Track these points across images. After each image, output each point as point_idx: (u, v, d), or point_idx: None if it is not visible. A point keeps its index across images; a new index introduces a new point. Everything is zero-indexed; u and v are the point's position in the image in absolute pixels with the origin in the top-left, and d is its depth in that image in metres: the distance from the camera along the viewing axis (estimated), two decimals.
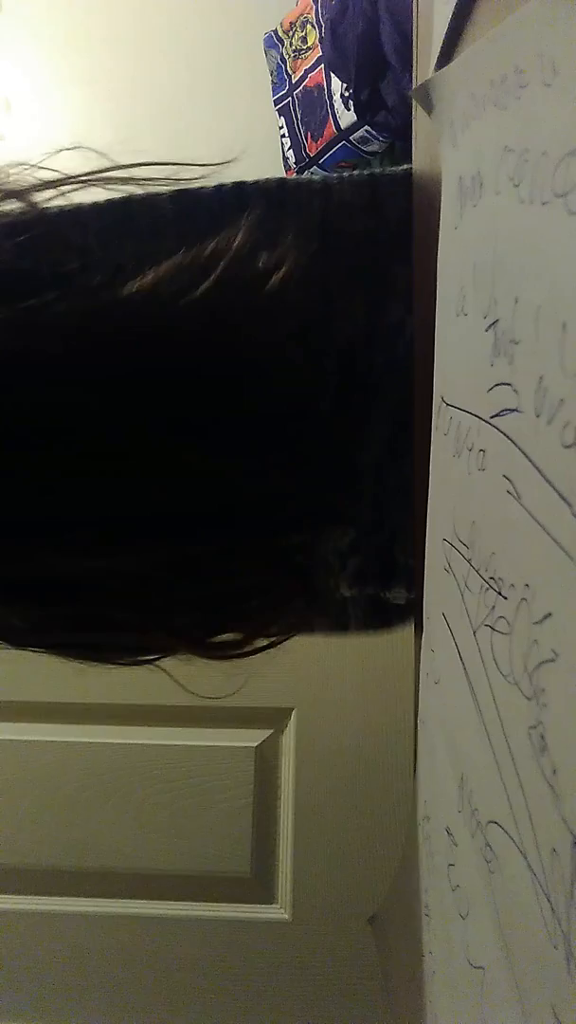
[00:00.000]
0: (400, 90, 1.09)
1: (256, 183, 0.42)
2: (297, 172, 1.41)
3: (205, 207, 0.41)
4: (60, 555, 0.40)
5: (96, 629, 0.44)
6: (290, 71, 1.41)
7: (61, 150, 0.42)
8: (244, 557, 0.43)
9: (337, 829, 1.10)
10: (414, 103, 0.40)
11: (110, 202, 0.41)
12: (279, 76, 1.43)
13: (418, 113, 0.41)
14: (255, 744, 1.14)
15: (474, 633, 0.27)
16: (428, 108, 0.34)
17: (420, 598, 0.38)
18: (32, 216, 0.40)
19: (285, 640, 0.46)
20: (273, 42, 1.43)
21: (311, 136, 1.36)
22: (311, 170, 1.39)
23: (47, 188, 0.40)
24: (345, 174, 0.43)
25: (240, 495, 0.42)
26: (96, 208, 0.40)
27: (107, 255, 0.39)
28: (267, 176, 0.42)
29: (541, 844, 0.20)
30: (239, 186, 0.41)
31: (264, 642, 0.45)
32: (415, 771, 0.41)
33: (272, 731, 1.14)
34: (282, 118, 1.43)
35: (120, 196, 0.41)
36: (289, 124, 1.41)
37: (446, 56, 0.34)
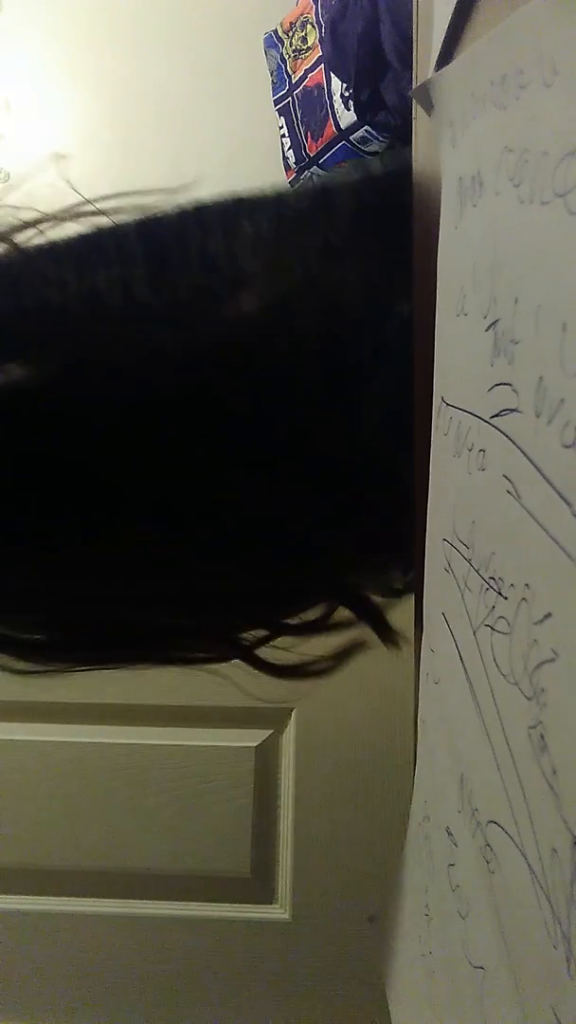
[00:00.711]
0: (400, 90, 1.09)
1: (213, 204, 0.43)
2: (297, 172, 1.41)
3: (167, 233, 0.42)
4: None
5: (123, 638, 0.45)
6: (290, 71, 1.41)
7: (33, 186, 0.44)
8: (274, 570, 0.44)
9: (337, 829, 1.10)
10: (414, 103, 0.40)
11: (81, 235, 0.42)
12: (279, 76, 1.43)
13: (418, 113, 0.41)
14: (255, 744, 1.14)
15: (474, 633, 0.27)
16: (428, 108, 0.34)
17: (420, 598, 0.38)
18: (14, 256, 0.41)
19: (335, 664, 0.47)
20: (273, 42, 1.43)
21: (311, 136, 1.36)
22: (310, 170, 1.39)
23: (28, 228, 0.42)
24: (297, 185, 0.44)
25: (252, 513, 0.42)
26: (68, 242, 0.42)
27: (81, 286, 0.40)
28: (253, 185, 0.43)
29: (541, 844, 0.20)
30: (198, 209, 0.43)
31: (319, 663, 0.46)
32: (415, 771, 0.41)
33: (272, 731, 1.14)
34: (282, 118, 1.43)
35: (89, 229, 0.42)
36: (289, 124, 1.41)
37: (446, 56, 0.34)
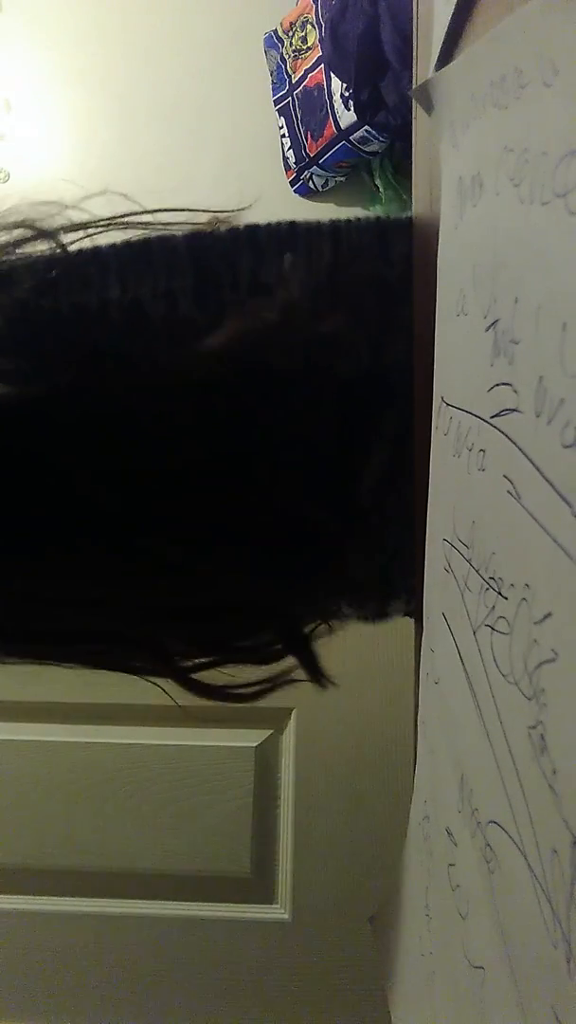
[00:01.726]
0: (400, 90, 1.09)
1: (268, 226, 0.43)
2: (297, 172, 1.41)
3: (218, 251, 0.42)
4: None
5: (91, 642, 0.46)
6: (290, 71, 1.41)
7: (91, 196, 0.43)
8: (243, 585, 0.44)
9: (337, 829, 1.10)
10: (414, 103, 0.40)
11: (128, 243, 0.42)
12: (279, 76, 1.43)
13: (418, 113, 0.41)
14: (255, 744, 1.14)
15: (474, 633, 0.27)
16: (428, 108, 0.34)
17: (420, 598, 0.38)
18: (57, 256, 0.41)
19: (271, 688, 0.47)
20: (273, 42, 1.43)
21: (311, 136, 1.36)
22: (309, 170, 1.39)
23: (76, 230, 0.42)
24: (352, 219, 0.44)
25: (239, 523, 0.42)
26: (115, 249, 0.42)
27: (125, 293, 0.40)
28: (278, 218, 0.44)
29: (541, 844, 0.20)
30: (251, 229, 0.43)
31: (252, 688, 0.46)
32: (415, 771, 0.41)
33: (272, 731, 1.14)
34: (282, 118, 1.43)
35: (138, 238, 0.42)
36: (289, 124, 1.41)
37: (446, 56, 0.34)
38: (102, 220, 0.42)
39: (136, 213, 0.43)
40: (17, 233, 0.41)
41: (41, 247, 0.41)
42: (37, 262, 0.41)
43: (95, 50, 1.58)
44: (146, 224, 0.43)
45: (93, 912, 1.12)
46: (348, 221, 0.44)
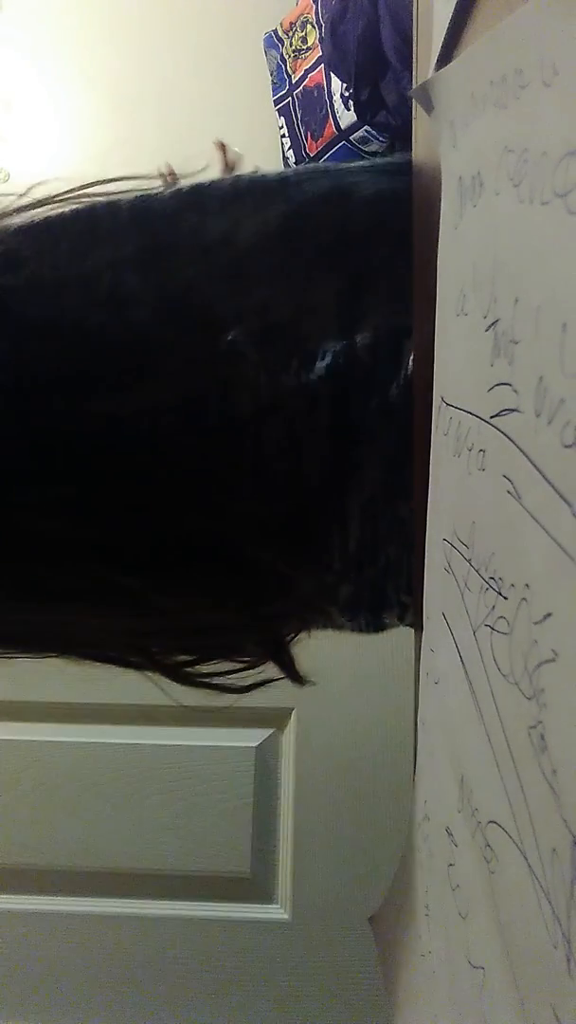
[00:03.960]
0: (400, 90, 1.09)
1: (211, 184, 0.43)
2: None
3: (160, 210, 0.42)
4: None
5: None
6: (290, 71, 1.41)
7: (33, 186, 0.43)
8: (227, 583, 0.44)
9: (337, 829, 1.10)
10: (414, 103, 0.40)
11: (75, 211, 0.42)
12: (279, 76, 1.43)
13: (418, 113, 0.41)
14: (255, 744, 1.14)
15: (474, 633, 0.27)
16: (428, 108, 0.34)
17: (420, 598, 0.38)
18: (7, 236, 0.41)
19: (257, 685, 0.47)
20: (273, 42, 1.43)
21: (311, 136, 1.36)
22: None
23: (23, 212, 0.42)
24: (301, 168, 0.44)
25: (226, 524, 0.42)
26: (62, 217, 0.42)
27: (74, 259, 0.41)
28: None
29: (541, 844, 0.20)
30: (195, 188, 0.43)
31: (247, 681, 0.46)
32: (415, 771, 0.41)
33: (272, 731, 1.14)
34: (282, 118, 1.43)
35: (84, 205, 0.42)
36: (289, 124, 1.41)
37: (446, 56, 0.34)
38: (48, 199, 0.42)
39: (79, 188, 0.43)
40: None
41: None
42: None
43: (95, 50, 1.58)
44: (93, 197, 0.43)
45: (93, 912, 1.12)
46: (296, 171, 0.44)
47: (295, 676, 0.47)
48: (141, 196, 0.42)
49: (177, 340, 0.40)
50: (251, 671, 0.46)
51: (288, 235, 0.42)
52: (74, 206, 0.42)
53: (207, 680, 0.46)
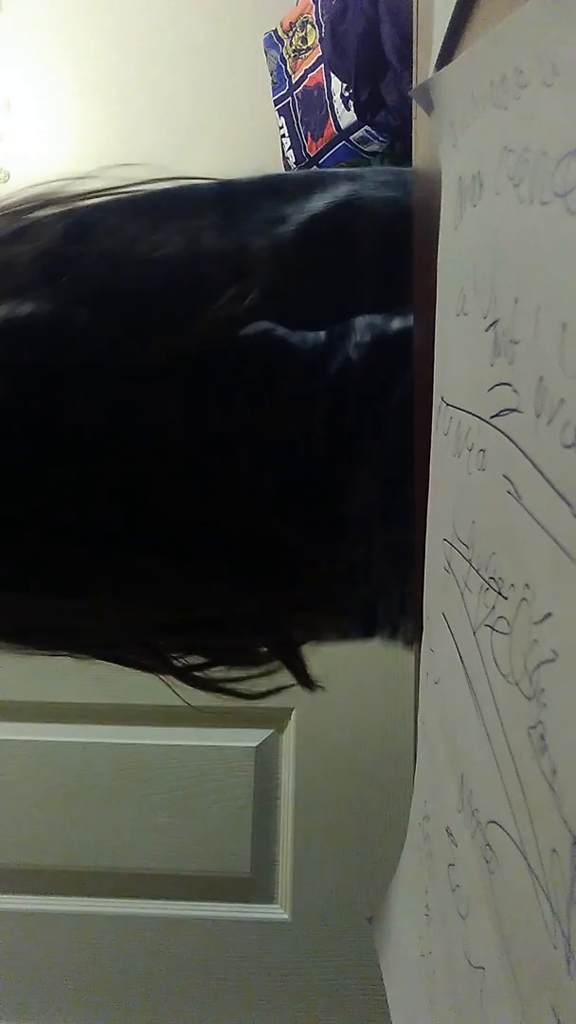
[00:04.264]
0: (400, 90, 1.09)
1: (288, 175, 0.46)
2: None
3: (242, 192, 0.44)
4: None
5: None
6: (290, 71, 1.41)
7: (106, 167, 0.44)
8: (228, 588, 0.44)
9: (337, 829, 1.10)
10: (414, 103, 0.40)
11: (152, 191, 0.44)
12: (279, 76, 1.43)
13: (418, 113, 0.41)
14: (255, 744, 1.14)
15: (474, 633, 0.27)
16: (428, 108, 0.34)
17: (420, 598, 0.38)
18: (81, 210, 0.43)
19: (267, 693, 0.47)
20: (273, 42, 1.43)
21: (311, 136, 1.36)
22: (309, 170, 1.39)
23: (92, 197, 0.43)
24: (379, 168, 0.45)
25: (226, 532, 0.42)
26: (134, 198, 0.43)
27: (152, 235, 0.42)
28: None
29: (541, 844, 0.20)
30: (277, 175, 0.45)
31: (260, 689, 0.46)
32: (415, 771, 0.41)
33: (272, 731, 1.14)
34: (282, 118, 1.43)
35: (159, 189, 0.44)
36: (289, 124, 1.41)
37: (446, 56, 0.34)
38: (117, 186, 0.44)
39: (149, 181, 0.44)
40: (32, 201, 0.42)
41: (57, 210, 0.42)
42: (60, 214, 0.42)
43: (95, 50, 1.58)
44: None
45: (93, 912, 1.12)
46: (363, 170, 0.45)
47: (307, 681, 0.47)
48: (224, 180, 0.44)
49: (209, 300, 0.40)
50: (261, 677, 0.46)
51: (340, 231, 0.43)
52: (149, 188, 0.44)
53: (219, 685, 0.46)
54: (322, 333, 0.41)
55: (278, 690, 0.47)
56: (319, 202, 0.44)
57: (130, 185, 0.43)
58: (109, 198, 0.43)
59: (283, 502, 0.42)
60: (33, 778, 1.15)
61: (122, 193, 0.43)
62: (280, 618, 0.47)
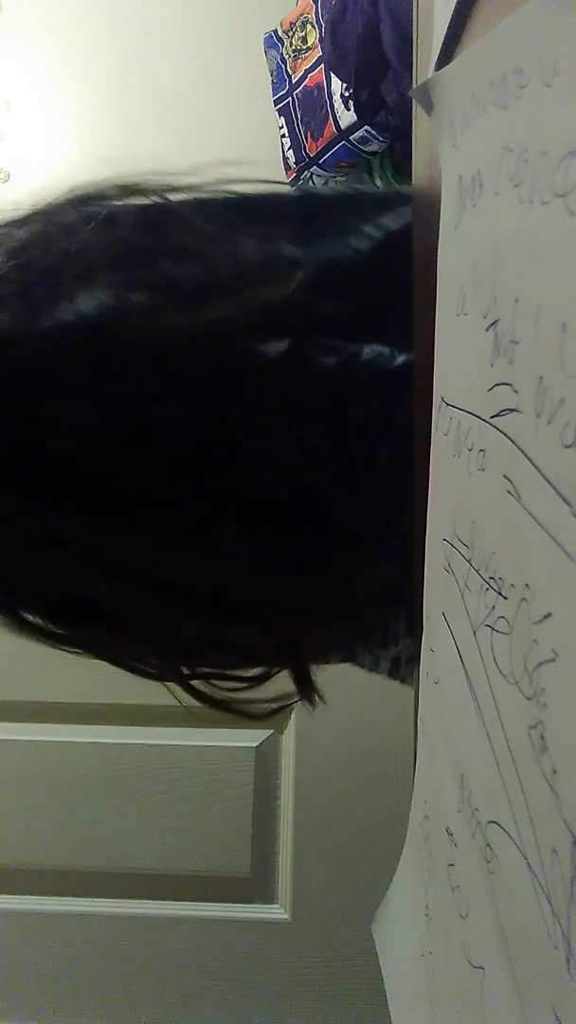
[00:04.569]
0: (400, 90, 1.09)
1: (367, 193, 0.47)
2: (297, 172, 1.41)
3: (323, 204, 0.46)
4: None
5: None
6: (290, 71, 1.41)
7: (215, 163, 0.45)
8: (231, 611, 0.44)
9: (337, 829, 1.10)
10: (414, 103, 0.40)
11: (236, 194, 0.45)
12: (279, 76, 1.43)
13: (418, 113, 0.41)
14: (255, 744, 1.14)
15: (474, 633, 0.27)
16: (428, 108, 0.34)
17: (420, 598, 0.38)
18: (158, 206, 0.43)
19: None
20: (273, 42, 1.43)
21: (311, 136, 1.36)
22: (310, 170, 1.39)
23: (179, 191, 0.44)
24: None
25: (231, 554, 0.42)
26: (217, 199, 0.44)
27: (227, 238, 0.43)
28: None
29: (541, 844, 0.20)
30: (357, 192, 0.47)
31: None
32: (415, 771, 0.41)
33: (272, 731, 1.14)
34: (282, 118, 1.43)
35: (247, 191, 0.45)
36: (289, 124, 1.41)
37: (446, 56, 0.34)
38: (207, 183, 0.44)
39: (242, 180, 0.45)
40: (120, 187, 0.43)
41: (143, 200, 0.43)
42: (139, 207, 0.43)
43: (95, 50, 1.58)
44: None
45: (93, 912, 1.12)
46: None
47: (306, 687, 0.48)
48: (306, 189, 0.45)
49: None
50: (260, 683, 0.47)
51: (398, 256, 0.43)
52: (234, 190, 0.44)
53: (226, 703, 0.46)
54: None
55: (283, 708, 0.48)
56: (395, 222, 0.45)
57: (219, 183, 0.44)
58: (196, 195, 0.44)
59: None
60: (33, 778, 1.15)
61: (209, 192, 0.44)
62: (299, 636, 0.47)
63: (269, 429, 0.41)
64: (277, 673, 0.47)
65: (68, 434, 0.38)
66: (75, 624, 0.45)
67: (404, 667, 0.48)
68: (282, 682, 0.47)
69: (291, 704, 0.47)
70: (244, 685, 0.47)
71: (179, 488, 0.40)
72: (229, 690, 0.46)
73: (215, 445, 0.40)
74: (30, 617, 0.44)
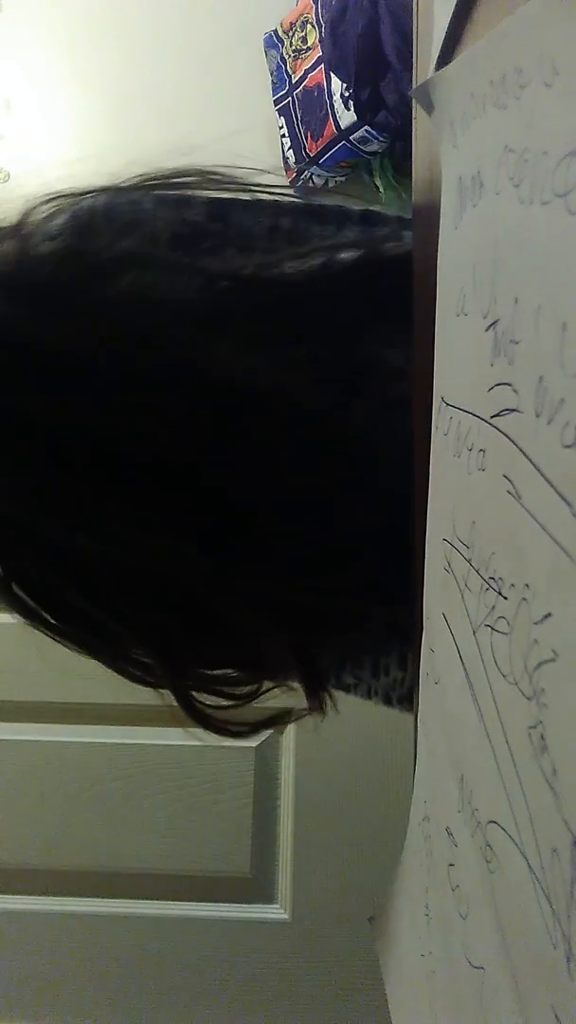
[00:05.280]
0: (400, 90, 1.09)
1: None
2: (297, 172, 1.41)
3: (386, 222, 0.47)
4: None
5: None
6: (290, 71, 1.41)
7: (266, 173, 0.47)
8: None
9: (337, 829, 1.10)
10: (414, 103, 0.40)
11: (307, 202, 0.46)
12: (279, 76, 1.43)
13: (418, 113, 0.41)
14: (255, 744, 1.14)
15: (474, 633, 0.27)
16: (428, 108, 0.34)
17: (420, 598, 0.38)
18: (228, 200, 0.44)
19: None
20: (273, 42, 1.43)
21: (311, 136, 1.36)
22: (309, 170, 1.39)
23: (250, 190, 0.45)
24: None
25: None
26: (279, 204, 0.46)
27: (294, 237, 0.44)
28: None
29: (541, 844, 0.20)
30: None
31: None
32: (415, 771, 0.41)
33: (272, 731, 1.14)
34: (282, 118, 1.43)
35: (316, 201, 0.47)
36: (289, 124, 1.41)
37: (446, 56, 0.34)
38: (277, 186, 0.46)
39: (309, 191, 0.47)
40: (193, 176, 0.44)
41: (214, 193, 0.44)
42: (215, 198, 0.44)
43: (95, 50, 1.58)
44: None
45: (93, 912, 1.12)
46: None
47: (315, 693, 0.48)
48: (372, 210, 0.47)
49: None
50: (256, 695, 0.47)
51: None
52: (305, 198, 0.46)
53: (212, 721, 0.47)
54: None
55: (268, 726, 0.48)
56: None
57: (287, 188, 0.45)
58: (266, 196, 0.45)
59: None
60: (33, 778, 1.15)
61: (279, 194, 0.45)
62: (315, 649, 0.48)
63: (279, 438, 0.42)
64: (266, 692, 0.47)
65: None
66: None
67: (396, 703, 0.48)
68: (261, 707, 0.48)
69: (271, 727, 0.48)
70: (230, 704, 0.47)
71: (187, 488, 0.41)
72: (214, 707, 0.47)
73: (226, 453, 0.41)
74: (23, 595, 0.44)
